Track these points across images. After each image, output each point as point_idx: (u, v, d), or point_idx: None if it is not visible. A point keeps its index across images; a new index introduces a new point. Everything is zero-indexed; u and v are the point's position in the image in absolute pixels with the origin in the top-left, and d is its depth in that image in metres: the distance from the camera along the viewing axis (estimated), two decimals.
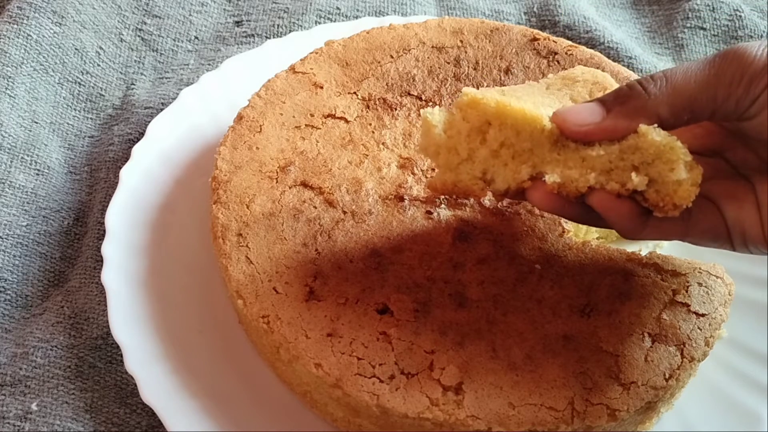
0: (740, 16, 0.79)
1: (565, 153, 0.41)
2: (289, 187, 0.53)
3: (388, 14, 0.80)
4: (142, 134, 0.64)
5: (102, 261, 0.54)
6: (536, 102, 0.42)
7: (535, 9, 0.82)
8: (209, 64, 0.74)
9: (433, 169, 0.54)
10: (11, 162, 0.64)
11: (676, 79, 0.39)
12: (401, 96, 0.59)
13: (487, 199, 0.52)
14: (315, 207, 0.52)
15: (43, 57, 0.71)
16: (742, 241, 0.41)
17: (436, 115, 0.43)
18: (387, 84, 0.59)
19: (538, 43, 0.62)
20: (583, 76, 0.45)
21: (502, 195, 0.44)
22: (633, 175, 0.39)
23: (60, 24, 0.73)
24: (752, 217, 0.40)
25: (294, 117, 0.57)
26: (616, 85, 0.44)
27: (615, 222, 0.41)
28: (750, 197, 0.41)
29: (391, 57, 0.61)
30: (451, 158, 0.44)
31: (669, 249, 0.57)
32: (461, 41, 0.62)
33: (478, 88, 0.59)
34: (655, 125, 0.39)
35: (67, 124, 0.69)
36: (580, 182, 0.40)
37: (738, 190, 0.41)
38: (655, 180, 0.39)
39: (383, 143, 0.56)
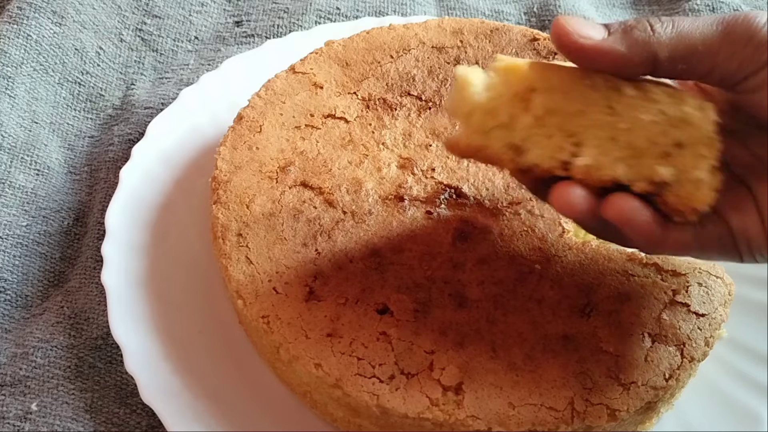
0: None
1: (620, 109, 0.38)
2: (289, 187, 0.53)
3: (388, 14, 0.80)
4: (142, 134, 0.64)
5: (102, 261, 0.54)
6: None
7: (535, 9, 0.82)
8: (209, 64, 0.74)
9: (433, 169, 0.54)
10: (11, 162, 0.64)
11: (683, 26, 0.38)
12: (401, 96, 0.59)
13: (487, 200, 0.52)
14: (315, 207, 0.52)
15: (43, 57, 0.71)
16: (748, 251, 0.40)
17: (473, 72, 0.40)
18: (387, 84, 0.59)
19: (538, 43, 0.62)
20: None
21: (525, 173, 0.41)
22: (659, 168, 0.37)
23: (60, 24, 0.73)
24: (755, 224, 0.39)
25: (294, 117, 0.57)
26: None
27: (633, 234, 0.39)
28: (751, 204, 0.40)
29: (391, 57, 0.61)
30: (486, 121, 0.40)
31: None
32: (461, 41, 0.62)
33: None
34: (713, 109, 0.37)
35: (67, 124, 0.69)
36: (607, 170, 0.38)
37: (739, 197, 0.40)
38: (676, 177, 0.38)
39: (383, 143, 0.56)
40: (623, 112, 0.38)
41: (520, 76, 0.39)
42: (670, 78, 0.40)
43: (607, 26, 0.39)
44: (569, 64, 0.42)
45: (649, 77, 0.40)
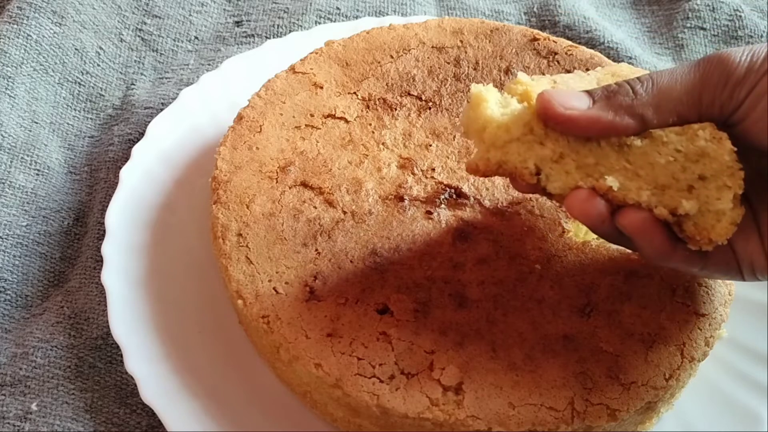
0: (740, 16, 0.79)
1: (633, 159, 0.39)
2: (289, 187, 0.53)
3: (388, 14, 0.80)
4: (142, 134, 0.64)
5: (102, 261, 0.54)
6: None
7: (535, 9, 0.82)
8: (209, 64, 0.74)
9: (433, 169, 0.54)
10: (11, 162, 0.64)
11: (662, 82, 0.39)
12: (401, 96, 0.59)
13: (487, 200, 0.52)
14: (315, 207, 0.52)
15: (43, 57, 0.71)
16: (751, 272, 0.41)
17: (487, 90, 0.41)
18: (387, 84, 0.59)
19: (538, 43, 0.62)
20: (628, 75, 0.43)
21: (541, 190, 0.41)
22: (684, 201, 0.38)
23: (60, 24, 0.73)
24: (758, 248, 0.40)
25: (294, 117, 0.57)
26: None
27: (645, 246, 0.40)
28: (753, 227, 0.40)
29: (391, 57, 0.61)
30: (501, 135, 0.40)
31: None
32: (461, 41, 0.62)
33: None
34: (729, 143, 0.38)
35: (67, 124, 0.69)
36: (632, 194, 0.39)
37: (743, 222, 0.40)
38: (699, 209, 0.39)
39: (383, 143, 0.56)
40: (637, 161, 0.39)
41: (534, 117, 0.40)
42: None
43: (590, 94, 0.40)
44: (578, 74, 0.43)
45: None
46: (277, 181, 0.53)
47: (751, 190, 0.40)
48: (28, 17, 0.72)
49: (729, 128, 0.39)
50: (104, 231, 0.56)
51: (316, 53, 0.62)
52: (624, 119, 0.39)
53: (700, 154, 0.38)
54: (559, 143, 0.40)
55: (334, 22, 0.79)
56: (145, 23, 0.79)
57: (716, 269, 0.41)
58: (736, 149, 0.38)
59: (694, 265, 0.41)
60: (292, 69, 0.60)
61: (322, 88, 0.59)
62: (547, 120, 0.40)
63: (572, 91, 0.40)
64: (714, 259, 0.41)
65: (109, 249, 0.54)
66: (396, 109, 0.58)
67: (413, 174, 0.54)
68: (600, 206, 0.40)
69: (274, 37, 0.77)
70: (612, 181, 0.39)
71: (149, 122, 0.63)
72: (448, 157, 0.54)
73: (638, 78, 0.40)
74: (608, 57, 0.67)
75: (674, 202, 0.39)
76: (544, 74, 0.58)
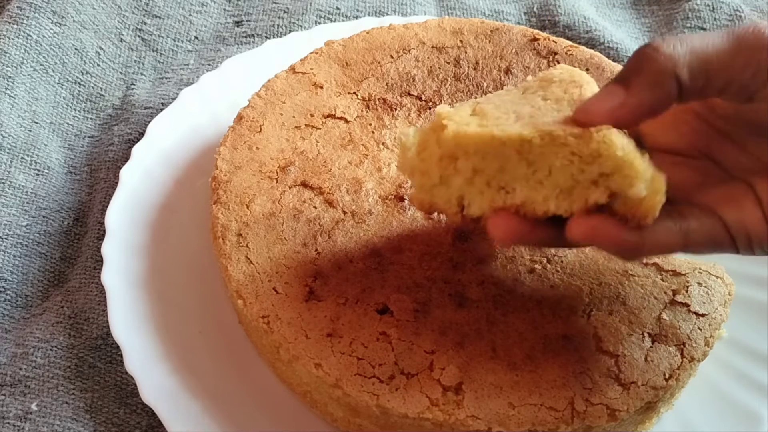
0: (740, 16, 0.79)
1: (532, 159, 0.39)
2: (289, 187, 0.53)
3: (388, 14, 0.80)
4: (142, 134, 0.64)
5: (102, 261, 0.54)
6: (507, 110, 0.41)
7: (535, 9, 0.82)
8: (209, 64, 0.74)
9: None
10: (11, 162, 0.64)
11: (693, 42, 0.37)
12: (401, 96, 0.59)
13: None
14: (315, 207, 0.52)
15: (43, 57, 0.71)
16: (746, 243, 0.39)
17: (410, 137, 0.42)
18: (387, 84, 0.59)
19: (538, 43, 0.62)
20: (561, 76, 0.43)
21: (475, 221, 0.42)
22: (591, 191, 0.38)
23: (60, 24, 0.73)
24: (755, 216, 0.39)
25: (294, 117, 0.57)
26: (592, 82, 0.42)
27: (605, 249, 0.39)
28: (749, 196, 0.39)
29: (391, 57, 0.61)
30: (425, 180, 0.43)
31: None
32: (461, 41, 0.62)
33: (477, 88, 0.59)
34: (623, 132, 0.37)
35: (67, 124, 0.69)
36: (540, 205, 0.40)
37: (734, 191, 0.40)
38: (616, 193, 0.38)
39: (383, 143, 0.56)
40: (537, 160, 0.39)
41: (442, 140, 0.41)
42: (689, 101, 0.38)
43: (617, 79, 0.38)
44: (506, 89, 0.43)
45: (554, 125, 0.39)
46: (277, 181, 0.53)
47: (746, 172, 0.40)
48: (28, 17, 0.72)
49: (753, 105, 0.38)
50: (104, 231, 0.56)
51: (316, 53, 0.62)
52: (665, 88, 0.36)
53: (595, 155, 0.38)
54: (470, 158, 0.40)
55: (334, 22, 0.79)
56: (145, 23, 0.79)
57: (703, 244, 0.40)
58: (633, 141, 0.38)
59: (675, 248, 0.40)
60: (292, 69, 0.60)
61: (322, 88, 0.59)
62: (592, 126, 0.38)
63: (599, 91, 0.38)
64: (699, 235, 0.39)
65: (109, 249, 0.54)
66: (396, 109, 0.58)
67: None
68: (517, 226, 0.39)
69: (274, 37, 0.77)
70: (514, 198, 0.40)
71: (149, 122, 0.63)
72: None
73: (661, 38, 0.37)
74: (608, 57, 0.67)
75: (583, 200, 0.39)
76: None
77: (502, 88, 0.58)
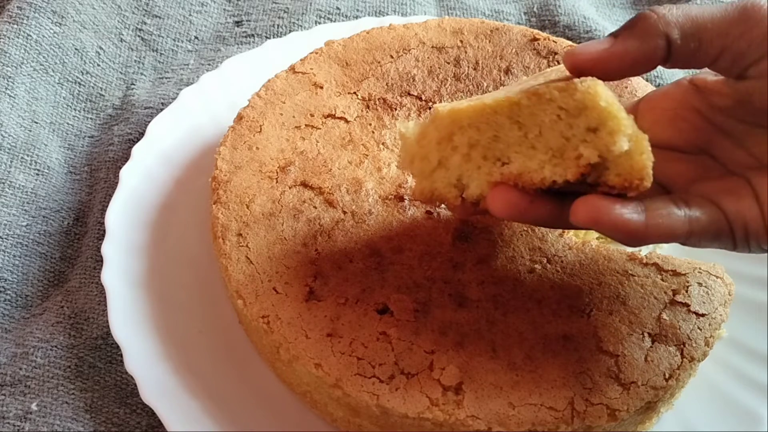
0: None
1: (523, 120, 0.39)
2: (289, 187, 0.53)
3: (388, 14, 0.80)
4: (142, 134, 0.64)
5: (102, 261, 0.54)
6: (494, 95, 0.42)
7: (535, 9, 0.82)
8: (209, 64, 0.74)
9: None
10: (11, 162, 0.64)
11: (691, 9, 0.38)
12: (401, 96, 0.59)
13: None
14: (315, 207, 0.52)
15: (43, 57, 0.71)
16: (744, 238, 0.39)
17: (410, 128, 0.43)
18: (387, 84, 0.59)
19: (538, 43, 0.62)
20: (556, 68, 0.44)
21: (475, 204, 0.43)
22: (581, 147, 0.38)
23: (60, 24, 0.73)
24: (752, 209, 0.38)
25: (294, 117, 0.57)
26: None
27: (609, 233, 0.38)
28: (747, 190, 0.39)
29: (391, 57, 0.61)
30: (424, 166, 0.43)
31: (669, 249, 0.57)
32: (461, 41, 0.62)
33: (477, 88, 0.59)
34: (603, 84, 0.37)
35: (67, 124, 0.69)
36: (537, 173, 0.39)
37: (733, 184, 0.40)
38: (604, 157, 0.38)
39: (383, 143, 0.56)
40: (527, 122, 0.39)
41: (439, 123, 0.42)
42: (683, 67, 0.39)
43: (611, 33, 0.39)
44: (491, 96, 0.43)
45: (541, 80, 0.39)
46: (277, 181, 0.53)
47: (745, 169, 0.40)
48: (28, 17, 0.72)
49: (744, 83, 0.38)
50: (104, 231, 0.56)
51: (316, 53, 0.62)
52: (652, 41, 0.37)
53: (578, 107, 0.37)
54: (465, 132, 0.41)
55: (334, 22, 0.79)
56: (145, 23, 0.79)
57: (705, 233, 0.39)
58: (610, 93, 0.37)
59: (678, 236, 0.39)
60: (292, 69, 0.60)
61: (322, 88, 0.59)
62: (575, 70, 0.39)
63: (591, 41, 0.39)
64: (701, 222, 0.39)
65: (109, 249, 0.54)
66: (396, 109, 0.58)
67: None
68: (516, 198, 0.39)
69: (274, 37, 0.77)
70: (510, 168, 0.40)
71: (149, 122, 0.63)
72: None
73: (659, 5, 0.39)
74: None
75: (575, 161, 0.38)
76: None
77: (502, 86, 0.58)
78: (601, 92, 0.37)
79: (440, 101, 0.58)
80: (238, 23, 0.80)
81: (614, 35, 0.39)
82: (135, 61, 0.76)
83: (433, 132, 0.42)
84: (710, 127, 0.42)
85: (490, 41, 0.62)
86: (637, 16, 0.38)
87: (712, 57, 0.38)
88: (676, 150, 0.43)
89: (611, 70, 0.38)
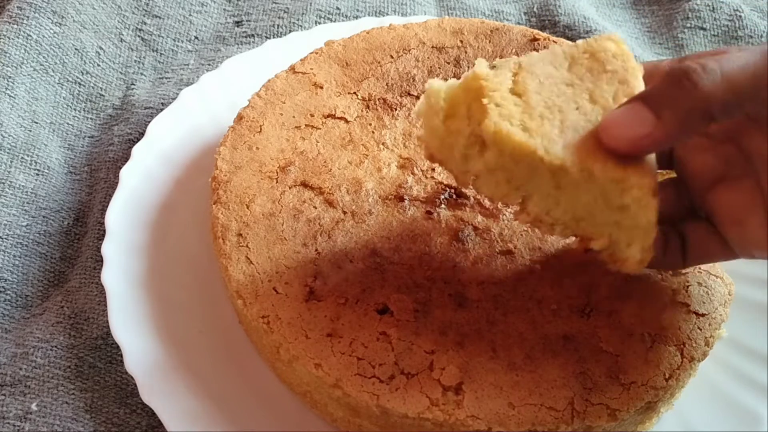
0: (740, 16, 0.79)
1: (563, 184, 0.39)
2: (289, 187, 0.53)
3: (388, 14, 0.80)
4: (142, 134, 0.64)
5: (102, 261, 0.54)
6: (552, 104, 0.39)
7: (535, 9, 0.82)
8: (209, 64, 0.74)
9: (433, 169, 0.54)
10: (11, 162, 0.64)
11: (732, 71, 0.34)
12: (401, 96, 0.59)
13: (487, 200, 0.52)
14: (315, 207, 0.52)
15: (43, 57, 0.71)
16: (749, 256, 0.41)
17: (441, 94, 0.41)
18: (387, 84, 0.59)
19: (538, 43, 0.62)
20: (612, 64, 0.40)
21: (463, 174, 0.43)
22: (593, 241, 0.41)
23: (60, 24, 0.73)
24: (760, 234, 0.40)
25: (294, 117, 0.57)
26: (642, 86, 0.39)
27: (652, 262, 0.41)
28: (756, 209, 0.40)
29: (391, 57, 0.61)
30: (444, 153, 0.43)
31: None
32: (461, 41, 0.62)
33: None
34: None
35: (67, 124, 0.69)
36: (547, 228, 0.42)
37: (744, 198, 0.41)
38: (609, 248, 0.41)
39: (383, 143, 0.56)
40: (566, 188, 0.40)
41: (473, 116, 0.40)
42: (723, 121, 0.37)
43: (646, 101, 0.36)
44: (550, 52, 0.42)
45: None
46: (277, 181, 0.53)
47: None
48: (28, 17, 0.72)
49: None
50: (104, 231, 0.56)
51: (316, 53, 0.62)
52: (694, 127, 0.35)
53: (621, 208, 0.38)
54: (502, 157, 0.40)
55: (334, 22, 0.79)
56: (145, 23, 0.79)
57: (706, 260, 0.42)
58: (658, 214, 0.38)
59: (723, 255, 0.42)
60: (292, 69, 0.60)
61: (322, 88, 0.59)
62: (616, 151, 0.37)
63: (627, 111, 0.36)
64: (695, 253, 0.42)
65: (109, 249, 0.54)
66: (396, 109, 0.58)
67: (413, 174, 0.54)
68: None
69: (274, 37, 0.77)
70: (524, 218, 0.42)
71: (149, 122, 0.63)
72: None
73: (701, 65, 0.35)
74: None
75: (586, 232, 0.41)
76: None
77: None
78: (651, 209, 0.37)
79: None
80: (238, 23, 0.80)
81: (652, 108, 0.35)
82: (135, 61, 0.76)
83: (465, 120, 0.41)
84: (684, 203, 0.44)
85: (490, 41, 0.62)
86: (677, 82, 0.35)
87: (747, 115, 0.37)
88: (706, 134, 0.43)
89: (649, 151, 0.37)
